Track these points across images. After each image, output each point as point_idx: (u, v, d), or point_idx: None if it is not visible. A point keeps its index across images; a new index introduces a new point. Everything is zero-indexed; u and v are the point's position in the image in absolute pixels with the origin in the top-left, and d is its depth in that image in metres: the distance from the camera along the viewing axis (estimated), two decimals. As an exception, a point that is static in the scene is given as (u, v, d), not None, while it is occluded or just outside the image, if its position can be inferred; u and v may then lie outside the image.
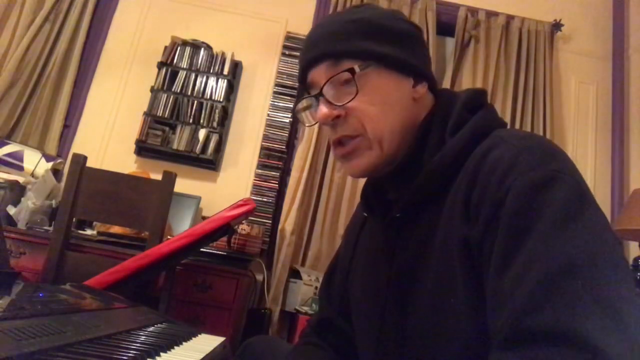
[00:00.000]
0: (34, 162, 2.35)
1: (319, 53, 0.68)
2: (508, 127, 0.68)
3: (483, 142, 0.60)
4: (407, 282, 0.65)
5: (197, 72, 2.59)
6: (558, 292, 0.45)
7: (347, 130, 0.67)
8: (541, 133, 2.63)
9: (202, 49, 2.63)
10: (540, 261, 0.47)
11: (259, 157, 2.60)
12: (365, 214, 0.79)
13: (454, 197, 0.60)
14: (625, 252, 2.47)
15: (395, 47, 0.67)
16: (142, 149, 2.57)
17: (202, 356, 0.68)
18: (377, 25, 0.68)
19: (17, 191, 2.17)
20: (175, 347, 0.70)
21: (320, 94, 0.67)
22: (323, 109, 0.67)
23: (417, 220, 0.66)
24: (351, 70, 0.65)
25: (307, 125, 0.78)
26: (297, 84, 2.65)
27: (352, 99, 0.65)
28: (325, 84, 0.67)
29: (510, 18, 2.83)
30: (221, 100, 2.56)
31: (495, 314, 0.49)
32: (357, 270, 0.80)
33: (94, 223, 2.13)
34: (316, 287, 2.18)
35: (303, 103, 0.75)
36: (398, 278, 0.67)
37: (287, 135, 2.60)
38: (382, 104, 0.66)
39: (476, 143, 0.61)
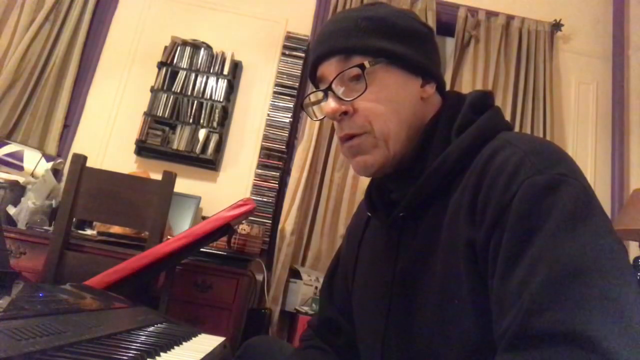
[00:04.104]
0: (34, 162, 2.35)
1: (329, 48, 0.68)
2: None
3: (489, 144, 0.60)
4: (411, 282, 0.65)
5: (197, 72, 2.59)
6: (564, 294, 0.45)
7: (354, 127, 0.67)
8: (541, 133, 2.63)
9: (202, 49, 2.63)
10: (547, 263, 0.47)
11: (259, 157, 2.60)
12: (369, 214, 0.79)
13: (459, 198, 0.60)
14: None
15: (406, 46, 0.67)
16: (142, 149, 2.57)
17: (202, 356, 0.68)
18: (389, 23, 0.68)
19: (17, 191, 2.17)
20: (175, 347, 0.70)
21: (329, 88, 0.67)
22: (331, 104, 0.67)
23: (421, 220, 0.66)
24: (361, 66, 0.65)
25: (314, 119, 0.78)
26: (297, 84, 2.65)
27: (361, 94, 0.65)
28: (334, 78, 0.67)
29: (510, 18, 2.83)
30: (221, 100, 2.56)
31: (501, 315, 0.49)
32: (361, 270, 0.80)
33: (94, 223, 2.12)
34: (316, 287, 2.18)
35: (311, 97, 0.75)
36: (402, 278, 0.67)
37: (287, 135, 2.60)
38: (390, 102, 0.66)
39: (481, 144, 0.61)
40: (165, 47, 2.64)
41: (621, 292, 0.45)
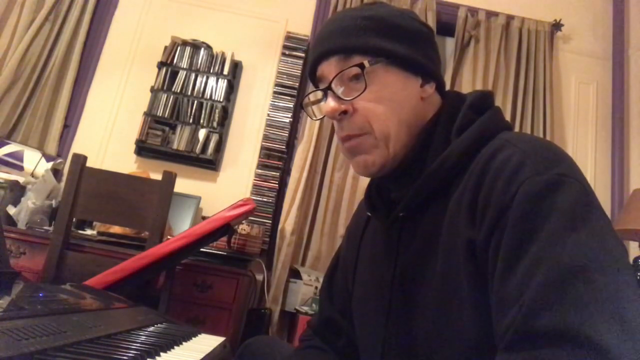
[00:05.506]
0: (34, 162, 2.35)
1: (329, 47, 0.68)
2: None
3: (489, 144, 0.60)
4: (411, 282, 0.65)
5: (197, 72, 2.59)
6: (565, 294, 0.45)
7: (354, 128, 0.67)
8: (541, 133, 2.63)
9: (202, 49, 2.63)
10: (547, 263, 0.47)
11: (259, 157, 2.60)
12: (369, 214, 0.79)
13: (459, 198, 0.60)
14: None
15: (406, 46, 0.67)
16: (142, 149, 2.57)
17: (202, 356, 0.68)
18: (389, 23, 0.68)
19: (17, 191, 2.17)
20: (175, 347, 0.70)
21: (329, 88, 0.67)
22: (331, 103, 0.67)
23: (421, 220, 0.66)
24: (361, 66, 0.65)
25: (313, 119, 0.78)
26: (297, 84, 2.65)
27: (360, 94, 0.65)
28: (334, 78, 0.67)
29: (510, 18, 2.83)
30: (221, 100, 2.56)
31: (501, 315, 0.49)
32: (361, 270, 0.80)
33: (94, 223, 2.13)
34: (316, 287, 2.18)
35: (311, 97, 0.75)
36: (402, 278, 0.67)
37: (287, 135, 2.60)
38: (390, 101, 0.66)
39: (481, 145, 0.61)
40: (165, 47, 2.64)
41: (621, 293, 0.45)
